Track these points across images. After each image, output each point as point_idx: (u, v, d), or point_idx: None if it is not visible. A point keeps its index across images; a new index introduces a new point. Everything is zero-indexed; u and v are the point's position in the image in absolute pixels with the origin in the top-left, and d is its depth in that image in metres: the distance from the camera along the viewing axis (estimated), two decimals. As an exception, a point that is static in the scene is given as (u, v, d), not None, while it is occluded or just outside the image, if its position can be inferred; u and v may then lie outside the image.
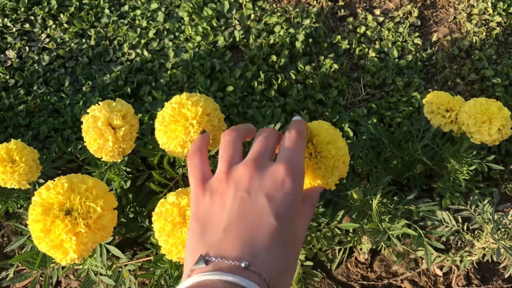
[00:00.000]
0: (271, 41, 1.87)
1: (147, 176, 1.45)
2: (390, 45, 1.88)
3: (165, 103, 1.04)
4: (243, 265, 0.49)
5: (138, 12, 2.00)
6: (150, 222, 1.39)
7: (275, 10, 2.00)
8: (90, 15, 2.00)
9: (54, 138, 1.65)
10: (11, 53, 1.91)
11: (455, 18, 1.98)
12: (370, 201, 1.24)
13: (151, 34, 1.94)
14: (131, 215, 1.42)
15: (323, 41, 1.90)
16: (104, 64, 1.89)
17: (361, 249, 1.48)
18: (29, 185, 1.22)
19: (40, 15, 2.01)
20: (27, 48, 1.93)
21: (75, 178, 0.99)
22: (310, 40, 1.87)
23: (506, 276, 1.26)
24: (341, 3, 2.02)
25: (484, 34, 1.89)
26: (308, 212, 0.62)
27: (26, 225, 1.01)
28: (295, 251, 0.55)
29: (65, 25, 1.99)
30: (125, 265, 1.34)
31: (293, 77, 1.78)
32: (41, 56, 1.90)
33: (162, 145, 1.04)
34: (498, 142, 1.20)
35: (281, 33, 1.89)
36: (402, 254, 1.45)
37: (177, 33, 1.95)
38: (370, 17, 1.96)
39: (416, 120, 1.59)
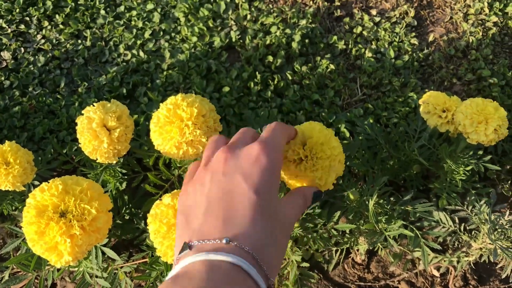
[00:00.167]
0: (268, 42, 1.87)
1: (142, 177, 1.45)
2: (386, 45, 1.88)
3: (160, 104, 1.04)
4: (224, 241, 0.50)
5: (134, 12, 2.00)
6: (146, 224, 1.39)
7: (272, 10, 1.99)
8: (86, 16, 1.99)
9: (50, 139, 1.64)
10: (6, 54, 1.90)
11: (451, 18, 1.98)
12: (367, 202, 1.23)
13: (147, 34, 1.93)
14: (127, 217, 1.41)
15: (319, 41, 1.89)
16: (100, 65, 1.88)
17: (357, 250, 1.48)
18: (23, 187, 1.22)
19: (36, 16, 2.01)
20: (22, 49, 1.92)
21: (70, 180, 0.98)
22: (307, 40, 1.87)
23: (503, 276, 1.26)
24: (337, 3, 2.02)
25: (481, 34, 1.89)
26: (298, 201, 0.62)
27: (21, 227, 1.00)
28: (281, 228, 0.55)
29: (61, 26, 1.98)
30: (121, 267, 1.33)
31: (290, 77, 1.78)
32: (36, 57, 1.89)
33: (157, 146, 1.03)
34: (495, 142, 1.20)
35: (278, 33, 1.89)
36: (399, 255, 1.45)
37: (173, 34, 1.94)
38: (366, 17, 1.96)
39: (412, 120, 1.59)
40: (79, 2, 2.04)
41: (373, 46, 1.87)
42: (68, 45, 1.92)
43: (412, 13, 1.97)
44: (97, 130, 1.10)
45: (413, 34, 1.91)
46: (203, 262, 0.49)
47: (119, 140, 1.12)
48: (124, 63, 1.86)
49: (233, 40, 1.89)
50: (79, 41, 1.94)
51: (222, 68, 1.81)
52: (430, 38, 1.91)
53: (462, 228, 1.34)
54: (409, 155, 1.40)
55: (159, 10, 2.00)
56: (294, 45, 1.85)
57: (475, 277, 1.45)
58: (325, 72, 1.79)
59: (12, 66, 1.87)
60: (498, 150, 1.57)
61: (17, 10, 2.02)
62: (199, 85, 1.74)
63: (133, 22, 1.98)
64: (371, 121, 1.64)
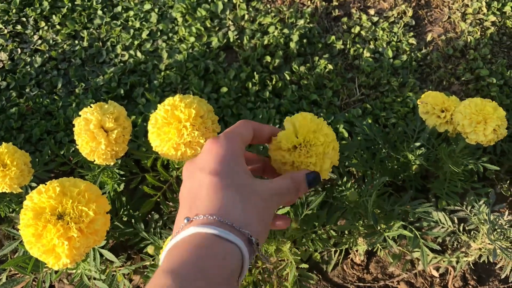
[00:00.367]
0: (265, 42, 1.86)
1: (140, 178, 1.44)
2: (384, 45, 1.88)
3: (158, 105, 1.03)
4: (185, 221, 0.58)
5: (131, 13, 1.99)
6: (144, 226, 1.38)
7: (269, 10, 1.99)
8: (83, 16, 1.98)
9: (47, 140, 1.64)
10: (2, 55, 1.89)
11: (449, 17, 1.97)
12: (366, 203, 1.23)
13: (144, 35, 1.92)
14: (125, 218, 1.41)
15: (317, 41, 1.89)
16: (97, 65, 1.87)
17: (357, 250, 1.47)
18: (20, 189, 1.21)
19: (32, 17, 2.00)
20: (19, 50, 1.91)
21: (67, 182, 0.97)
22: (305, 40, 1.87)
23: (503, 276, 1.26)
24: (335, 3, 2.01)
25: (479, 33, 1.89)
26: (282, 180, 0.64)
27: (18, 229, 0.99)
28: (255, 196, 0.60)
29: (58, 27, 1.97)
30: (119, 269, 1.33)
31: (288, 77, 1.78)
32: (33, 58, 1.88)
33: (155, 148, 1.02)
34: (494, 142, 1.20)
35: (275, 33, 1.89)
36: (398, 255, 1.44)
37: (170, 34, 1.93)
38: (364, 17, 1.96)
39: (411, 120, 1.59)
40: (76, 3, 2.03)
41: (371, 46, 1.87)
42: (65, 46, 1.91)
43: (410, 12, 1.96)
44: (94, 132, 1.09)
45: (411, 33, 1.91)
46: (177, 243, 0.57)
47: (116, 142, 1.11)
48: (122, 64, 1.85)
49: (231, 40, 1.89)
50: (76, 41, 1.93)
51: (220, 68, 1.81)
52: (428, 38, 1.91)
53: (461, 228, 1.34)
54: (407, 156, 1.39)
55: (156, 10, 1.99)
56: (292, 45, 1.84)
57: (475, 277, 1.45)
58: (323, 72, 1.79)
59: (8, 67, 1.86)
60: (497, 150, 1.56)
61: (14, 10, 2.01)
62: (197, 85, 1.73)
63: (130, 23, 1.97)
64: (369, 121, 1.63)
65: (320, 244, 1.27)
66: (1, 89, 1.80)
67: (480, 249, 1.33)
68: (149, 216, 1.50)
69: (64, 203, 0.93)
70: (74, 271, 1.25)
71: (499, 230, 1.27)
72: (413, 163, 1.41)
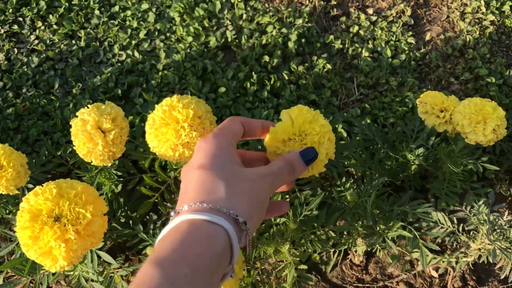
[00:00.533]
0: (264, 41, 1.85)
1: (138, 179, 1.43)
2: (383, 45, 1.87)
3: (156, 105, 1.02)
4: (172, 213, 0.60)
5: (129, 12, 1.98)
6: (143, 227, 1.38)
7: (267, 9, 1.98)
8: (80, 16, 1.97)
9: (44, 141, 1.63)
10: (-1, 55, 1.88)
11: (448, 17, 1.97)
12: (365, 203, 1.22)
13: (142, 34, 1.91)
14: (123, 220, 1.40)
15: (316, 41, 1.88)
16: (94, 65, 1.86)
17: (356, 251, 1.47)
18: (17, 190, 1.20)
19: (29, 16, 1.98)
20: (15, 50, 1.90)
21: (64, 184, 0.97)
22: (303, 40, 1.86)
23: (502, 277, 1.25)
24: (333, 2, 2.00)
25: (478, 33, 1.89)
26: (274, 164, 0.65)
27: (15, 231, 0.99)
28: (246, 181, 0.62)
29: (55, 26, 1.96)
30: (117, 271, 1.32)
31: (286, 77, 1.77)
32: (30, 58, 1.87)
33: (153, 149, 1.02)
34: (493, 142, 1.19)
35: (274, 33, 1.88)
36: (397, 256, 1.44)
37: (168, 34, 1.92)
38: (363, 16, 1.95)
39: (410, 120, 1.58)
40: (73, 2, 2.02)
41: (370, 46, 1.86)
42: (62, 46, 1.90)
43: (408, 12, 1.96)
44: (91, 133, 1.08)
45: (410, 33, 1.91)
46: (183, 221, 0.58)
47: (114, 143, 1.11)
48: (119, 64, 1.84)
49: (229, 40, 1.88)
50: (73, 41, 1.92)
51: (218, 68, 1.80)
52: (427, 37, 1.91)
53: (460, 228, 1.34)
54: (406, 156, 1.39)
55: (154, 10, 1.98)
56: (291, 44, 1.83)
57: (474, 278, 1.45)
58: (321, 72, 1.78)
59: (5, 67, 1.85)
60: (496, 149, 1.56)
61: (10, 10, 2.00)
62: (195, 85, 1.72)
63: (127, 22, 1.96)
64: (368, 121, 1.63)
65: (319, 245, 1.26)
66: (-2, 89, 1.79)
67: (479, 249, 1.32)
68: (148, 217, 1.49)
69: (61, 205, 0.92)
70: (71, 273, 1.24)
71: (498, 231, 1.26)
72: (412, 163, 1.41)
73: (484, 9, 1.95)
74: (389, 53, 1.83)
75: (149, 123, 1.01)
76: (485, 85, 1.74)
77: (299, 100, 1.71)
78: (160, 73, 1.79)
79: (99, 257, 1.18)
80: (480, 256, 1.32)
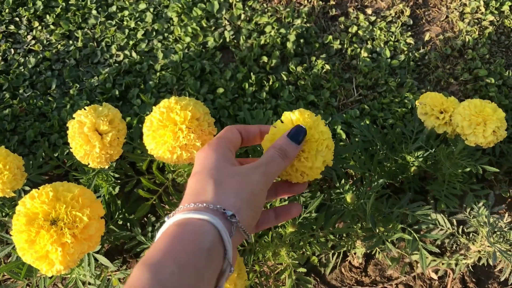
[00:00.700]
0: (262, 42, 1.84)
1: (136, 181, 1.42)
2: (382, 45, 1.86)
3: (153, 107, 1.01)
4: (166, 218, 0.60)
5: (126, 12, 1.97)
6: (141, 229, 1.37)
7: (266, 10, 1.97)
8: (77, 16, 1.96)
9: (41, 143, 1.61)
10: (-4, 56, 1.87)
11: (447, 17, 1.96)
12: (364, 205, 1.21)
13: (139, 35, 1.90)
14: (120, 222, 1.39)
15: (314, 41, 1.87)
16: (91, 66, 1.85)
17: (355, 253, 1.46)
18: (13, 193, 1.19)
19: (26, 16, 1.97)
20: (12, 50, 1.88)
21: (61, 187, 0.96)
22: (302, 40, 1.85)
23: (502, 279, 1.25)
24: (332, 2, 1.99)
25: (477, 33, 1.88)
26: (264, 156, 0.66)
27: (11, 234, 0.98)
28: (240, 180, 0.62)
29: (52, 27, 1.95)
30: (115, 273, 1.31)
31: (285, 78, 1.76)
32: (27, 58, 1.85)
33: (150, 151, 1.01)
34: (493, 144, 1.18)
35: (272, 33, 1.87)
36: (397, 258, 1.43)
37: (166, 34, 1.91)
38: (361, 16, 1.94)
39: (409, 121, 1.57)
40: (70, 2, 2.00)
41: (369, 46, 1.86)
42: (59, 46, 1.89)
43: (407, 12, 1.95)
44: (88, 135, 1.07)
45: (409, 33, 1.90)
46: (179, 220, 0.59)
47: (111, 145, 1.10)
48: (117, 64, 1.83)
49: (227, 40, 1.87)
50: (71, 41, 1.90)
51: (216, 68, 1.79)
52: (426, 37, 1.90)
53: (460, 230, 1.33)
54: (406, 157, 1.38)
55: (151, 10, 1.97)
56: (289, 45, 1.82)
57: (474, 280, 1.44)
58: (320, 72, 1.77)
59: (2, 67, 1.83)
60: (496, 151, 1.55)
61: (7, 10, 1.98)
62: (193, 86, 1.71)
63: (125, 22, 1.95)
64: (367, 122, 1.62)
65: (318, 248, 1.26)
66: (-6, 90, 1.78)
67: (479, 251, 1.32)
68: (146, 219, 1.48)
69: (57, 208, 0.91)
70: (68, 276, 1.23)
71: (498, 233, 1.26)
72: (411, 164, 1.40)
73: (483, 9, 1.94)
74: (388, 53, 1.82)
75: (146, 125, 1.00)
76: (484, 85, 1.73)
77: (298, 101, 1.70)
78: (158, 74, 1.78)
79: (96, 260, 1.17)
80: (480, 259, 1.32)
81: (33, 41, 1.91)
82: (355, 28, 1.91)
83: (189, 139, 0.98)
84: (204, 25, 1.91)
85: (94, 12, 1.97)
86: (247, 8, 1.97)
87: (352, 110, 1.67)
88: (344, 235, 1.37)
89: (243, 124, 1.55)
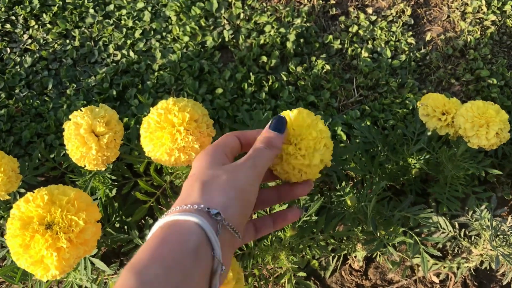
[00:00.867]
0: (262, 41, 1.82)
1: (133, 183, 1.40)
2: (383, 45, 1.84)
3: (151, 108, 0.99)
4: (172, 210, 0.60)
5: (124, 11, 1.94)
6: (138, 232, 1.35)
7: (265, 9, 1.95)
8: (74, 15, 1.93)
9: (37, 143, 1.59)
10: (-9, 55, 1.85)
11: (448, 16, 1.94)
12: (365, 208, 1.19)
13: (137, 34, 1.88)
14: (117, 225, 1.37)
15: (314, 41, 1.85)
16: (89, 65, 1.83)
17: (355, 256, 1.44)
18: (8, 195, 1.17)
19: (22, 15, 1.94)
20: (8, 49, 1.86)
21: (56, 190, 0.94)
22: (302, 40, 1.83)
23: (504, 283, 1.23)
24: (332, 1, 1.97)
25: (479, 33, 1.86)
26: (248, 154, 0.66)
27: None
28: (212, 177, 0.63)
29: (48, 26, 1.92)
30: (112, 277, 1.29)
31: (284, 78, 1.74)
32: (23, 57, 1.83)
33: (147, 153, 0.99)
34: (496, 146, 1.16)
35: (272, 33, 1.84)
36: (398, 261, 1.41)
37: (164, 33, 1.89)
38: (362, 16, 1.92)
39: (410, 122, 1.56)
40: (67, 1, 1.98)
41: (370, 46, 1.83)
42: (56, 45, 1.86)
43: (408, 11, 1.93)
44: (85, 136, 1.05)
45: (410, 33, 1.88)
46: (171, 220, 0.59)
47: (108, 147, 1.08)
48: (114, 64, 1.81)
49: (226, 39, 1.85)
50: (67, 41, 1.88)
51: (215, 68, 1.77)
52: (427, 37, 1.88)
53: (462, 233, 1.31)
54: (407, 159, 1.36)
55: (149, 8, 1.94)
56: (289, 44, 1.80)
57: (475, 283, 1.42)
58: (320, 72, 1.75)
59: (-3, 67, 1.81)
60: (498, 152, 1.53)
61: (3, 9, 1.96)
62: (192, 86, 1.69)
63: (123, 21, 1.92)
64: (368, 123, 1.60)
65: (318, 251, 1.24)
66: (-10, 90, 1.75)
67: (481, 255, 1.30)
68: (143, 221, 1.46)
69: (52, 212, 0.89)
70: (65, 279, 1.21)
71: (501, 236, 1.24)
72: (413, 166, 1.38)
73: (485, 9, 1.92)
74: (389, 53, 1.80)
75: (144, 127, 0.98)
76: (486, 86, 1.71)
77: (298, 102, 1.68)
78: (155, 74, 1.75)
79: (92, 263, 1.15)
80: (482, 262, 1.30)
81: (30, 40, 1.88)
82: (355, 27, 1.89)
83: (187, 141, 0.96)
84: (203, 24, 1.89)
85: (91, 11, 1.95)
86: (246, 7, 1.95)
87: (353, 111, 1.65)
88: (345, 238, 1.35)
89: (242, 124, 1.53)
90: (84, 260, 1.14)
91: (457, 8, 1.95)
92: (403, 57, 1.80)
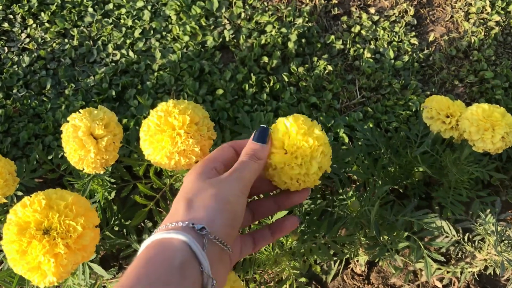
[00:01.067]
0: (263, 41, 1.80)
1: (132, 186, 1.38)
2: (385, 45, 1.82)
3: (151, 110, 0.97)
4: (162, 227, 0.61)
5: (123, 10, 1.92)
6: (137, 235, 1.33)
7: (267, 8, 1.93)
8: (73, 14, 1.91)
9: (35, 145, 1.57)
10: (-11, 54, 1.82)
11: (452, 17, 1.92)
12: (368, 212, 1.18)
13: (136, 33, 1.85)
14: (116, 228, 1.35)
15: (316, 41, 1.83)
16: (87, 65, 1.80)
17: (357, 260, 1.42)
18: (5, 199, 1.15)
19: (20, 14, 1.92)
20: (6, 48, 1.84)
21: (54, 194, 0.92)
22: (303, 40, 1.80)
23: (509, 289, 1.21)
24: (334, 1, 1.95)
25: (483, 33, 1.84)
26: (234, 167, 0.66)
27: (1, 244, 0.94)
28: (198, 193, 0.63)
29: (46, 24, 1.90)
30: (110, 281, 1.27)
31: (286, 79, 1.72)
32: (21, 57, 1.80)
33: (147, 156, 0.97)
34: (502, 150, 1.14)
35: (273, 32, 1.82)
36: (401, 266, 1.40)
37: (164, 33, 1.87)
38: (364, 15, 1.90)
39: (413, 124, 1.54)
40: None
41: (372, 46, 1.81)
42: (54, 45, 1.84)
43: (411, 11, 1.91)
44: (83, 139, 1.03)
45: (413, 33, 1.86)
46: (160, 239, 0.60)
47: (107, 149, 1.06)
48: (113, 64, 1.78)
49: (227, 39, 1.82)
50: (66, 40, 1.85)
51: (216, 69, 1.74)
52: (431, 38, 1.86)
53: (466, 238, 1.30)
54: (411, 162, 1.34)
55: (149, 7, 1.92)
56: (290, 45, 1.78)
57: (479, 288, 1.41)
58: (322, 73, 1.73)
59: (-5, 66, 1.79)
60: (503, 156, 1.51)
61: (0, 7, 1.93)
62: (192, 87, 1.67)
63: (122, 20, 1.90)
64: (371, 125, 1.58)
65: (320, 256, 1.22)
66: (-13, 89, 1.73)
67: (485, 260, 1.28)
68: (143, 223, 1.44)
69: (50, 217, 0.88)
70: (63, 284, 1.20)
71: (506, 242, 1.22)
72: (416, 169, 1.36)
73: (489, 9, 1.90)
74: (391, 54, 1.78)
75: (143, 130, 0.96)
76: (490, 88, 1.69)
77: (300, 103, 1.65)
78: (155, 74, 1.73)
79: (91, 268, 1.13)
80: (486, 267, 1.28)
81: (28, 39, 1.86)
82: (358, 27, 1.86)
83: (188, 145, 0.94)
84: (203, 23, 1.87)
85: (90, 9, 1.93)
86: (247, 7, 1.92)
87: (355, 113, 1.63)
88: (347, 242, 1.33)
89: (243, 126, 1.51)
90: (82, 265, 1.12)
91: (461, 9, 1.92)
92: (406, 58, 1.78)
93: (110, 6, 1.93)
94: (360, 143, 1.44)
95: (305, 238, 1.19)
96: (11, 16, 1.92)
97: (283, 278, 1.30)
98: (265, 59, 1.76)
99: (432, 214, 1.18)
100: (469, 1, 1.94)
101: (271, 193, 0.77)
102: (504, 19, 1.88)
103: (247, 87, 1.67)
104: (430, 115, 1.26)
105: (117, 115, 1.29)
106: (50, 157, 1.49)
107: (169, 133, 0.94)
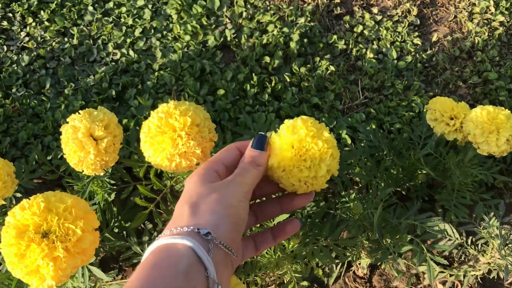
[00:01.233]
0: (264, 41, 1.78)
1: (132, 188, 1.36)
2: (388, 45, 1.80)
3: (151, 112, 0.96)
4: (167, 232, 0.60)
5: (124, 9, 1.90)
6: (137, 236, 1.31)
7: (268, 7, 1.91)
8: (73, 13, 1.89)
9: (34, 145, 1.55)
10: (-12, 53, 1.81)
11: (455, 17, 1.90)
12: (371, 215, 1.16)
13: (137, 32, 1.84)
14: (116, 230, 1.33)
15: (318, 41, 1.81)
16: (87, 64, 1.79)
17: (359, 263, 1.41)
18: (4, 200, 1.13)
19: (19, 12, 1.90)
20: (5, 47, 1.82)
21: (53, 197, 0.91)
22: (305, 40, 1.79)
23: (513, 292, 1.20)
24: (337, 0, 1.93)
25: (486, 34, 1.82)
26: (235, 172, 0.66)
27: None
28: (203, 198, 0.63)
29: (46, 23, 1.88)
30: (110, 283, 1.26)
31: (288, 79, 1.70)
32: (20, 56, 1.79)
33: (148, 158, 0.96)
34: (507, 153, 1.13)
35: (275, 32, 1.81)
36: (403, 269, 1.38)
37: (164, 32, 1.85)
38: (367, 15, 1.88)
39: (417, 126, 1.52)
40: (65, -2, 1.94)
41: (375, 46, 1.80)
42: (54, 43, 1.82)
43: (414, 11, 1.89)
44: (83, 141, 1.02)
45: (416, 33, 1.84)
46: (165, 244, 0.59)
47: (106, 151, 1.04)
48: (113, 63, 1.77)
49: (228, 39, 1.81)
50: (66, 39, 1.84)
51: (217, 69, 1.73)
52: (434, 38, 1.84)
53: (469, 241, 1.28)
54: (414, 164, 1.33)
55: (150, 6, 1.90)
56: (292, 44, 1.76)
57: (482, 292, 1.39)
58: (324, 73, 1.71)
59: (-6, 65, 1.77)
60: (507, 158, 1.50)
61: (0, 5, 1.92)
62: (193, 87, 1.65)
63: (122, 19, 1.88)
64: (373, 126, 1.56)
65: (322, 260, 1.21)
66: (-14, 89, 1.72)
67: (489, 263, 1.27)
68: (143, 225, 1.43)
69: (49, 220, 0.87)
70: (62, 287, 1.18)
71: (510, 245, 1.21)
72: (419, 172, 1.35)
73: (493, 9, 1.88)
74: (394, 54, 1.77)
75: (144, 131, 0.95)
76: (494, 89, 1.68)
77: (301, 104, 1.64)
78: (156, 74, 1.72)
79: (90, 270, 1.12)
80: (490, 271, 1.27)
81: (27, 38, 1.85)
82: (360, 27, 1.85)
83: (189, 147, 0.93)
84: (204, 23, 1.85)
85: (90, 8, 1.91)
86: (249, 6, 1.91)
87: (358, 114, 1.61)
88: (349, 245, 1.32)
89: (244, 127, 1.50)
90: (82, 267, 1.11)
91: (464, 9, 1.91)
92: (409, 58, 1.76)
93: (111, 4, 1.92)
94: (362, 144, 1.43)
95: (307, 241, 1.18)
96: (11, 15, 1.91)
97: (285, 281, 1.29)
98: (267, 59, 1.74)
99: (436, 217, 1.17)
100: (473, 1, 1.92)
101: (274, 196, 0.76)
102: (508, 20, 1.86)
103: (248, 87, 1.66)
104: (434, 116, 1.25)
105: (117, 115, 1.28)
106: (49, 158, 1.48)
107: (170, 135, 0.93)
